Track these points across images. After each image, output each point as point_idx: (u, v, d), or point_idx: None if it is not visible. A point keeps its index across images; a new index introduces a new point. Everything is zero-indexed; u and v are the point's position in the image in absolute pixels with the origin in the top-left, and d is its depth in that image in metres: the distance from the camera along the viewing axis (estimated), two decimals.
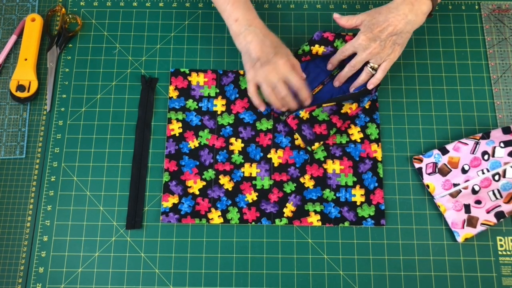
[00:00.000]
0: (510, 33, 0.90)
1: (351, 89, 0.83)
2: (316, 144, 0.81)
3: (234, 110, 0.85)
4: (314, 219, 0.79)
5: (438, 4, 0.88)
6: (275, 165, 0.82)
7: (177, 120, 0.85)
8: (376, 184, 0.81)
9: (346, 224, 0.79)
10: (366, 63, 0.80)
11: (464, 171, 0.80)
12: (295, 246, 0.79)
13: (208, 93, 0.86)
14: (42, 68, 0.88)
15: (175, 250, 0.78)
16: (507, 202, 0.77)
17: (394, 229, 0.79)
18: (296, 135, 0.83)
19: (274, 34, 0.79)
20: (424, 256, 0.78)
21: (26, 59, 0.87)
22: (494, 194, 0.78)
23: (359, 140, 0.83)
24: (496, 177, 0.78)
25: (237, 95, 0.86)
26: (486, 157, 0.79)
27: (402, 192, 0.81)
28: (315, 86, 0.85)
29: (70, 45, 0.90)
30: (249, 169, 0.82)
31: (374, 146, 0.83)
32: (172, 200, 0.80)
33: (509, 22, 0.91)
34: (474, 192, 0.78)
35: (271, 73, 0.76)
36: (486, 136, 0.80)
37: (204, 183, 0.81)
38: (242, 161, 0.83)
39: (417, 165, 0.81)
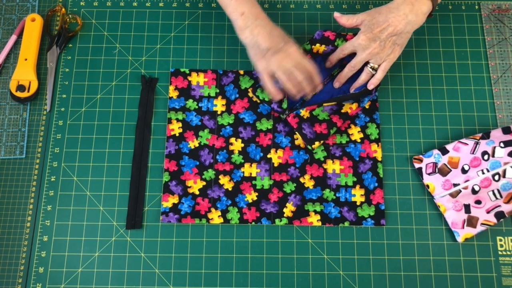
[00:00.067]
0: (510, 33, 0.90)
1: (352, 90, 0.83)
2: (316, 143, 0.81)
3: (234, 110, 0.85)
4: (314, 219, 0.79)
5: (438, 4, 0.88)
6: (275, 165, 0.82)
7: (177, 120, 0.85)
8: (376, 184, 0.81)
9: (346, 224, 0.79)
10: (366, 63, 0.80)
11: (464, 171, 0.80)
12: (295, 246, 0.79)
13: (208, 93, 0.86)
14: (42, 68, 0.88)
15: (175, 250, 0.78)
16: (507, 202, 0.77)
17: (394, 229, 0.79)
18: (297, 134, 0.83)
19: (280, 28, 0.80)
20: (424, 256, 0.78)
21: (26, 59, 0.87)
22: (494, 194, 0.78)
23: (359, 140, 0.83)
24: (496, 177, 0.78)
25: (237, 95, 0.86)
26: (486, 157, 0.79)
27: (402, 192, 0.81)
28: None
29: (70, 45, 0.90)
30: (249, 169, 0.82)
31: (374, 146, 0.83)
32: (172, 200, 0.80)
33: (509, 22, 0.91)
34: (474, 192, 0.78)
35: (285, 59, 0.77)
36: (486, 136, 0.80)
37: (204, 183, 0.81)
38: (242, 161, 0.83)
39: (417, 165, 0.81)
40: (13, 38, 0.89)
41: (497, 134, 0.80)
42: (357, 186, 0.81)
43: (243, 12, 0.78)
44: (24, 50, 0.87)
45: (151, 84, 0.87)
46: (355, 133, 0.84)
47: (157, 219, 0.80)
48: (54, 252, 0.79)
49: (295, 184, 0.81)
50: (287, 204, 0.80)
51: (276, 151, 0.83)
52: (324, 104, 0.80)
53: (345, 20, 0.79)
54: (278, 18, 0.91)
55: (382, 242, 0.79)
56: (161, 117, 0.85)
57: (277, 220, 0.80)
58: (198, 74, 0.87)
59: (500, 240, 0.79)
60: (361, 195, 0.81)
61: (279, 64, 0.77)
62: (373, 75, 0.80)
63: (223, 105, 0.86)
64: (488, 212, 0.78)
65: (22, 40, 0.88)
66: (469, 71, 0.88)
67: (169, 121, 0.85)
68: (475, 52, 0.89)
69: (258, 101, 0.85)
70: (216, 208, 0.80)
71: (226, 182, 0.81)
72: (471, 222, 0.78)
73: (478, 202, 0.78)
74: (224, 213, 0.80)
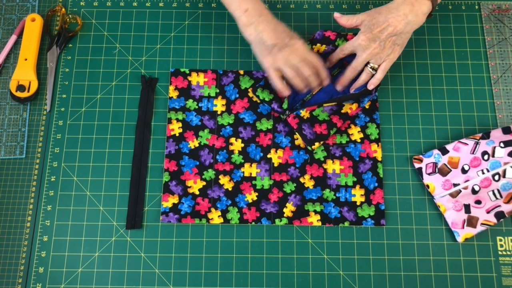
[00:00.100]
0: (510, 33, 0.90)
1: (352, 90, 0.83)
2: (316, 144, 0.81)
3: (234, 110, 0.85)
4: (314, 219, 0.79)
5: (438, 4, 0.88)
6: (275, 165, 0.82)
7: (177, 120, 0.85)
8: (376, 184, 0.81)
9: (346, 224, 0.79)
10: (366, 63, 0.80)
11: (464, 171, 0.80)
12: (295, 246, 0.79)
13: (208, 93, 0.86)
14: (42, 68, 0.88)
15: (175, 250, 0.78)
16: (507, 202, 0.77)
17: (394, 229, 0.79)
18: (297, 135, 0.83)
19: (284, 24, 0.80)
20: (424, 256, 0.78)
21: (26, 59, 0.87)
22: (494, 194, 0.78)
23: (359, 140, 0.83)
24: (496, 177, 0.78)
25: (237, 95, 0.86)
26: (486, 157, 0.79)
27: (402, 192, 0.81)
28: None
29: (70, 45, 0.90)
30: (249, 169, 0.82)
31: (374, 146, 0.83)
32: (172, 200, 0.80)
33: (509, 22, 0.91)
34: (474, 192, 0.78)
35: (291, 55, 0.77)
36: (486, 136, 0.80)
37: (204, 183, 0.81)
38: (242, 161, 0.83)
39: (417, 165, 0.81)
40: (13, 38, 0.89)
41: (497, 134, 0.80)
42: (357, 186, 0.81)
43: (246, 9, 0.78)
44: (24, 50, 0.87)
45: (151, 84, 0.87)
46: (355, 133, 0.84)
47: (157, 219, 0.80)
48: (54, 252, 0.79)
49: (295, 184, 0.81)
50: (287, 204, 0.80)
51: (276, 151, 0.83)
52: (324, 105, 0.80)
53: (345, 20, 0.79)
54: (278, 18, 0.91)
55: (382, 242, 0.79)
56: (161, 117, 0.85)
57: (277, 220, 0.80)
58: (198, 74, 0.87)
59: (500, 240, 0.79)
60: (361, 195, 0.81)
61: (286, 60, 0.77)
62: (373, 75, 0.80)
63: (223, 105, 0.86)
64: (488, 212, 0.78)
65: (22, 40, 0.88)
66: (469, 71, 0.88)
67: (169, 121, 0.85)
68: (475, 52, 0.89)
69: (258, 101, 0.85)
70: (216, 208, 0.80)
71: (226, 182, 0.81)
72: (471, 222, 0.78)
73: (478, 202, 0.78)
74: (224, 213, 0.80)
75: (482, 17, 0.91)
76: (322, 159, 0.82)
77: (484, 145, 0.80)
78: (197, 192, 0.81)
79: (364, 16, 0.78)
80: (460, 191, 0.79)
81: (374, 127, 0.84)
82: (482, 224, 0.77)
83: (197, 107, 0.85)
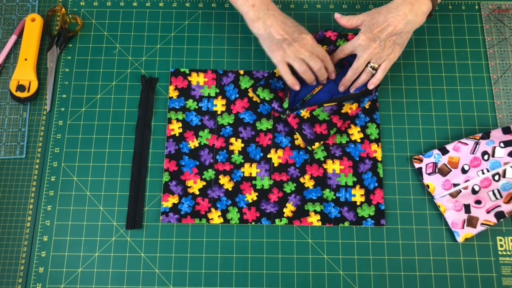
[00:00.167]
0: (510, 33, 0.90)
1: (352, 90, 0.83)
2: (316, 144, 0.81)
3: (234, 110, 0.85)
4: (314, 219, 0.79)
5: (438, 4, 0.88)
6: (275, 165, 0.82)
7: (177, 120, 0.85)
8: (376, 184, 0.81)
9: (346, 224, 0.79)
10: (367, 63, 0.80)
11: (464, 171, 0.80)
12: (295, 246, 0.79)
13: (208, 93, 0.86)
14: (42, 68, 0.88)
15: (175, 250, 0.78)
16: (507, 202, 0.77)
17: (394, 229, 0.79)
18: (297, 135, 0.83)
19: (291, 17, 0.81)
20: (424, 256, 0.78)
21: (26, 59, 0.87)
22: (494, 194, 0.78)
23: (359, 140, 0.83)
24: (496, 177, 0.78)
25: (237, 95, 0.86)
26: (486, 157, 0.79)
27: (402, 192, 0.81)
28: (315, 86, 0.84)
29: (70, 45, 0.90)
30: (249, 169, 0.82)
31: (374, 146, 0.83)
32: (172, 200, 0.80)
33: (509, 22, 0.91)
34: (474, 192, 0.78)
35: (301, 49, 0.78)
36: (486, 136, 0.80)
37: (204, 183, 0.81)
38: (242, 161, 0.83)
39: (417, 165, 0.81)
40: (13, 38, 0.89)
41: (497, 134, 0.80)
42: (357, 186, 0.81)
43: (253, 4, 0.78)
44: (24, 50, 0.87)
45: (151, 84, 0.87)
46: (355, 133, 0.84)
47: (157, 219, 0.80)
48: (54, 252, 0.79)
49: (295, 184, 0.81)
50: (287, 204, 0.80)
51: (276, 151, 0.83)
52: (325, 105, 0.80)
53: (345, 21, 0.79)
54: None
55: (382, 242, 0.79)
56: (161, 117, 0.85)
57: (277, 220, 0.80)
58: (198, 74, 0.87)
59: (500, 240, 0.79)
60: (361, 195, 0.81)
61: (296, 54, 0.77)
62: (373, 75, 0.80)
63: (223, 105, 0.86)
64: (488, 212, 0.78)
65: (22, 40, 0.88)
66: (469, 71, 0.88)
67: (169, 121, 0.85)
68: (475, 52, 0.89)
69: (259, 101, 0.85)
70: (216, 208, 0.80)
71: (226, 182, 0.81)
72: (471, 222, 0.78)
73: (478, 202, 0.78)
74: (224, 213, 0.80)
75: (482, 17, 0.91)
76: (322, 159, 0.82)
77: (484, 145, 0.80)
78: (197, 192, 0.81)
79: (364, 16, 0.78)
80: (460, 191, 0.79)
81: (374, 127, 0.84)
82: (482, 224, 0.77)
83: (197, 107, 0.85)
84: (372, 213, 0.80)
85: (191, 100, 0.86)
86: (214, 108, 0.85)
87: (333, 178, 0.82)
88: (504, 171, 0.78)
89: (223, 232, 0.79)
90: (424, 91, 0.87)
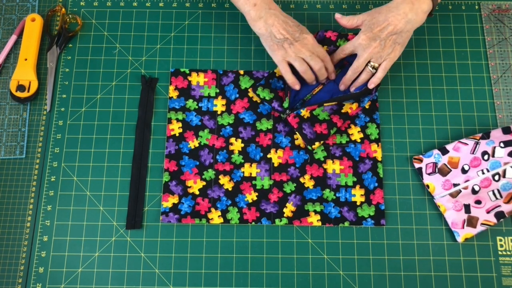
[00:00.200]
0: (510, 33, 0.90)
1: (352, 89, 0.83)
2: (317, 144, 0.81)
3: (234, 110, 0.85)
4: (314, 219, 0.79)
5: (438, 4, 0.88)
6: (275, 165, 0.82)
7: (177, 120, 0.85)
8: (376, 184, 0.81)
9: (346, 224, 0.79)
10: (367, 62, 0.80)
11: (464, 171, 0.80)
12: (295, 246, 0.79)
13: (208, 93, 0.86)
14: (42, 68, 0.88)
15: (175, 250, 0.78)
16: (507, 202, 0.77)
17: (394, 229, 0.79)
18: (297, 134, 0.83)
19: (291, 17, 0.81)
20: (424, 256, 0.78)
21: (26, 59, 0.87)
22: (494, 194, 0.78)
23: (359, 140, 0.83)
24: (496, 177, 0.78)
25: (237, 95, 0.86)
26: (486, 157, 0.79)
27: (402, 192, 0.81)
28: (315, 86, 0.85)
29: (70, 45, 0.90)
30: (249, 169, 0.82)
31: (374, 146, 0.83)
32: (172, 200, 0.80)
33: (509, 22, 0.91)
34: (474, 192, 0.78)
35: (302, 49, 0.78)
36: (486, 136, 0.80)
37: (204, 183, 0.81)
38: (242, 161, 0.82)
39: (417, 165, 0.81)
40: (13, 38, 0.89)
41: (497, 134, 0.80)
42: (357, 186, 0.81)
43: (255, 3, 0.79)
44: (24, 50, 0.87)
45: (151, 84, 0.87)
46: (355, 133, 0.84)
47: (157, 219, 0.80)
48: (54, 252, 0.79)
49: (295, 184, 0.81)
50: (287, 204, 0.80)
51: (276, 151, 0.83)
52: (325, 104, 0.80)
53: (345, 21, 0.79)
54: None
55: (382, 242, 0.79)
56: (161, 117, 0.85)
57: (277, 220, 0.80)
58: (198, 74, 0.87)
59: (500, 240, 0.79)
60: (361, 195, 0.81)
61: (297, 54, 0.78)
62: (373, 74, 0.80)
63: (223, 105, 0.86)
64: (488, 212, 0.78)
65: (22, 40, 0.88)
66: (469, 71, 0.88)
67: (169, 121, 0.85)
68: (475, 52, 0.89)
69: (259, 100, 0.85)
70: (216, 208, 0.80)
71: (226, 182, 0.81)
72: (471, 222, 0.78)
73: (478, 202, 0.78)
74: (224, 213, 0.80)
75: (482, 17, 0.91)
76: (322, 159, 0.82)
77: (484, 145, 0.80)
78: (197, 192, 0.81)
79: (365, 16, 0.78)
80: (460, 191, 0.79)
81: (374, 127, 0.84)
82: (482, 224, 0.77)
83: (197, 107, 0.85)
84: (372, 213, 0.80)
85: (191, 100, 0.86)
86: (214, 108, 0.85)
87: (333, 178, 0.82)
88: (504, 171, 0.78)
89: (223, 232, 0.79)
90: (424, 91, 0.87)
